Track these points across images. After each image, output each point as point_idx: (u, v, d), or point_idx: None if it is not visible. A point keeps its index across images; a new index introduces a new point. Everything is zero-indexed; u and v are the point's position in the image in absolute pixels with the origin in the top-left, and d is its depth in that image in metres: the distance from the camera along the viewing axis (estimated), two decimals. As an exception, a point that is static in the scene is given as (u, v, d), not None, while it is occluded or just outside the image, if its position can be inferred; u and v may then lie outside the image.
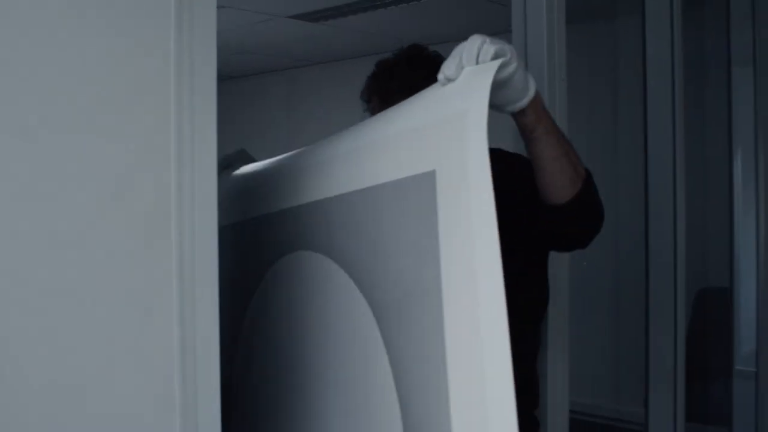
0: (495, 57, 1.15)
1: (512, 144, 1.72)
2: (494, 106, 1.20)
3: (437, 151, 1.05)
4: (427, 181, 1.03)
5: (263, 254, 1.45)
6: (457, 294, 0.99)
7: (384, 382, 1.10)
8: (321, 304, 1.28)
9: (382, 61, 1.83)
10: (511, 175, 1.51)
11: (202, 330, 1.18)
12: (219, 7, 1.17)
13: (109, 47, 1.08)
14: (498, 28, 2.10)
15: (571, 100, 2.14)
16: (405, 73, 1.74)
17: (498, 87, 1.17)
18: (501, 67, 1.15)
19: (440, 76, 1.20)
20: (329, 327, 1.26)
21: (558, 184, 1.40)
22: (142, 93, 1.12)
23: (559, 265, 2.04)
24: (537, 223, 1.51)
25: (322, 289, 1.27)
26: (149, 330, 1.13)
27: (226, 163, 1.77)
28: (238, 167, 1.77)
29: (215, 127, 1.20)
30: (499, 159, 1.16)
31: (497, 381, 0.92)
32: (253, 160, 1.75)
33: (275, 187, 1.46)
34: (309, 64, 6.78)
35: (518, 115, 1.30)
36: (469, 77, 1.13)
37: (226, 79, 7.54)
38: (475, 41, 1.17)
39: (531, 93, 1.25)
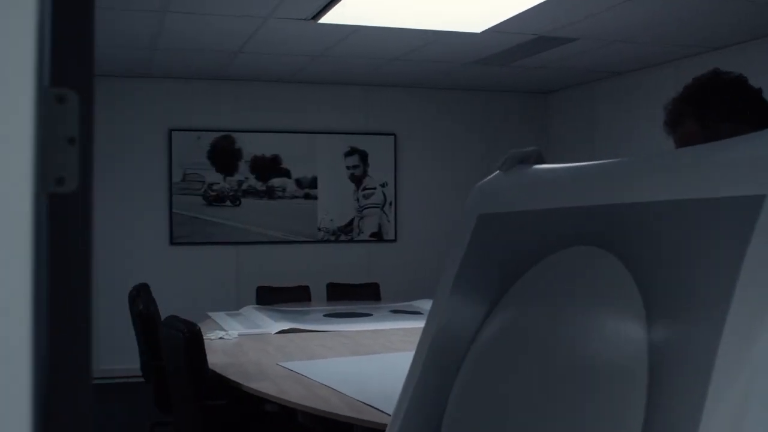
0: None
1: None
2: None
3: None
4: (751, 204, 1.10)
5: (537, 246, 1.50)
6: (740, 316, 1.04)
7: (635, 385, 1.15)
8: (590, 295, 1.36)
9: (696, 82, 1.84)
10: None
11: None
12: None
13: None
14: None
15: None
16: (723, 99, 1.78)
17: None
18: None
19: None
20: (592, 319, 1.33)
21: None
22: None
23: None
24: None
25: (595, 283, 1.35)
26: None
27: (522, 158, 1.75)
28: (530, 164, 1.74)
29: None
30: None
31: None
32: (543, 162, 1.74)
33: (571, 186, 1.54)
34: (700, 52, 5.73)
35: None
36: None
37: (608, 77, 6.76)
38: None
39: None
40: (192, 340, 3.19)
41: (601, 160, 1.61)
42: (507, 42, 5.43)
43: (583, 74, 6.72)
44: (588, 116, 7.14)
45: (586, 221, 1.44)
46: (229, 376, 3.25)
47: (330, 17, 4.69)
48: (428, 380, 1.61)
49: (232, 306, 5.96)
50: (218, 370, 3.37)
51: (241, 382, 3.17)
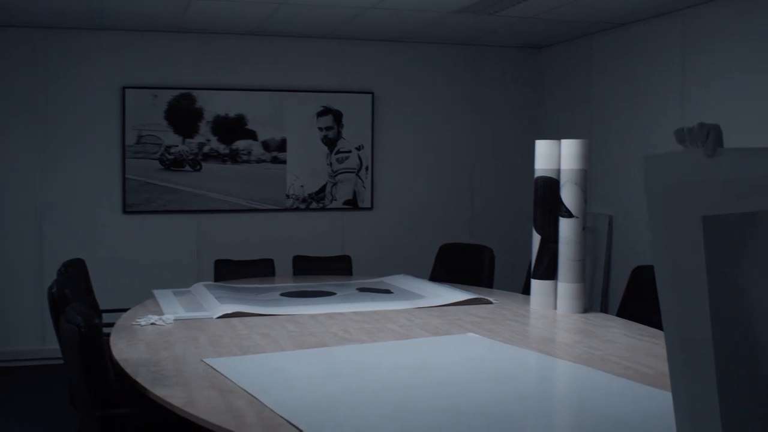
0: None
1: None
2: None
3: None
4: None
5: None
6: None
7: None
8: None
9: None
10: None
11: None
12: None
13: None
14: None
15: None
16: None
17: None
18: None
19: None
20: None
21: None
22: None
23: None
24: None
25: None
26: None
27: (714, 135, 1.35)
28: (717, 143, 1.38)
29: None
30: None
31: None
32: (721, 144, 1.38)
33: None
34: (709, 0, 5.10)
35: None
36: None
37: (607, 29, 6.13)
38: None
39: None
40: (88, 337, 2.63)
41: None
42: (490, -14, 4.80)
43: (579, 27, 6.08)
44: (585, 73, 6.50)
45: None
46: (137, 378, 2.70)
47: (282, -46, 4.06)
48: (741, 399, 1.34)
49: (192, 280, 5.41)
50: (129, 369, 2.81)
51: (146, 386, 2.61)
